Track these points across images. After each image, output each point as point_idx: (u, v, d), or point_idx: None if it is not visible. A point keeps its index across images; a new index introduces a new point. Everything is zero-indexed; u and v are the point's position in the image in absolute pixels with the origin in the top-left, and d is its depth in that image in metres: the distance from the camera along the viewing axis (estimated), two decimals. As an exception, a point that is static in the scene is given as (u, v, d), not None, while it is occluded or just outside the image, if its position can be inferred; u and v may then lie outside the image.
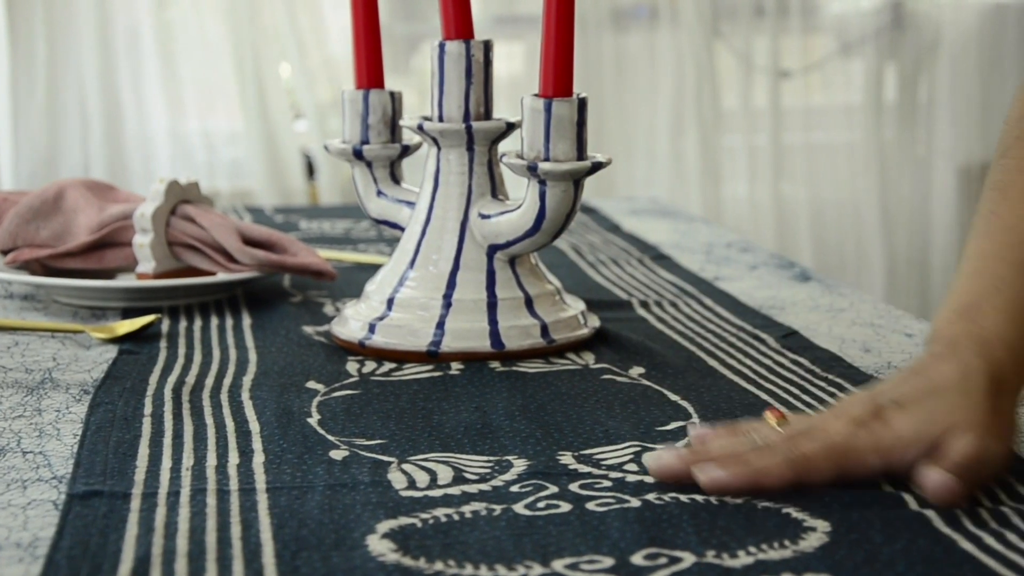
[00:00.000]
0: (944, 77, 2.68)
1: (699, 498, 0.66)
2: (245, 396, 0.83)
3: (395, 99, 1.00)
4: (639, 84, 2.63)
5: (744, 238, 1.39)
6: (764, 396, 0.83)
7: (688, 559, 0.58)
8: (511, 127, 0.94)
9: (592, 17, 2.57)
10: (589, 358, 0.92)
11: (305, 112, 2.52)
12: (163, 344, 0.95)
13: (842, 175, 2.71)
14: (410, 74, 2.58)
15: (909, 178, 2.70)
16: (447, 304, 0.93)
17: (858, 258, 2.71)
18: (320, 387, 0.85)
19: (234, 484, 0.68)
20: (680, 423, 0.78)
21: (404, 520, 0.63)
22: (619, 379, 0.87)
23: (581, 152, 0.89)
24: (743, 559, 0.58)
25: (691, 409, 0.80)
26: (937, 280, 2.69)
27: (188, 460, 0.72)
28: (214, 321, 1.02)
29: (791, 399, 0.82)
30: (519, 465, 0.71)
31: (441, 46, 0.93)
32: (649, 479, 0.69)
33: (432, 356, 0.91)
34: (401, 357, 0.92)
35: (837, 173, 2.71)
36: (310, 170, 2.55)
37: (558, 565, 0.58)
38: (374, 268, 1.19)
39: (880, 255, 2.69)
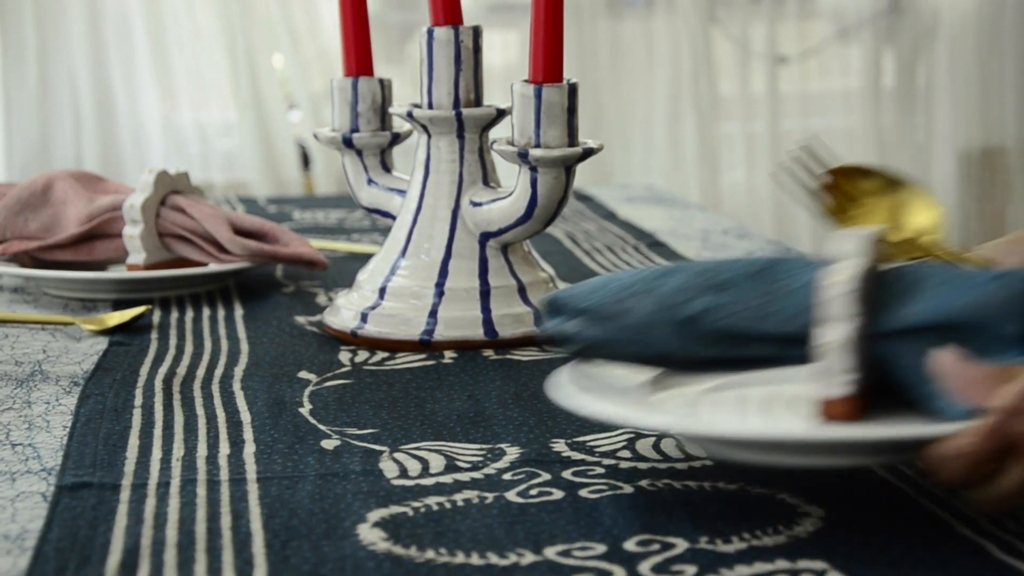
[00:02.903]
0: (943, 62, 2.67)
1: (692, 484, 0.65)
2: (236, 387, 0.83)
3: (384, 86, 0.99)
4: (635, 71, 2.62)
5: (741, 224, 1.38)
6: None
7: (681, 545, 0.58)
8: (501, 114, 0.93)
9: (587, 4, 2.56)
10: (583, 345, 0.91)
11: (299, 103, 2.52)
12: (154, 335, 0.95)
13: (841, 161, 2.70)
14: (404, 63, 2.57)
15: (908, 163, 2.69)
16: (439, 293, 0.92)
17: (857, 244, 2.70)
18: (312, 377, 0.85)
19: (224, 474, 0.68)
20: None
21: (395, 509, 0.63)
22: (613, 366, 0.86)
23: (572, 138, 0.88)
24: (736, 545, 0.58)
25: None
26: (936, 265, 2.69)
27: (178, 451, 0.71)
28: (205, 312, 1.02)
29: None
30: (512, 453, 0.70)
31: (429, 32, 0.92)
32: (642, 465, 0.68)
33: (425, 345, 0.91)
34: (394, 346, 0.91)
35: (836, 159, 2.70)
36: (305, 160, 2.55)
37: (550, 552, 0.58)
38: (367, 258, 1.18)
39: (879, 241, 2.69)
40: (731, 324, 0.64)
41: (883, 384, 0.63)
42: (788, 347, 0.64)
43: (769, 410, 0.67)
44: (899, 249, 0.75)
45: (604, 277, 0.68)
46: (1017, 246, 0.73)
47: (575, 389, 0.65)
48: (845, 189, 0.77)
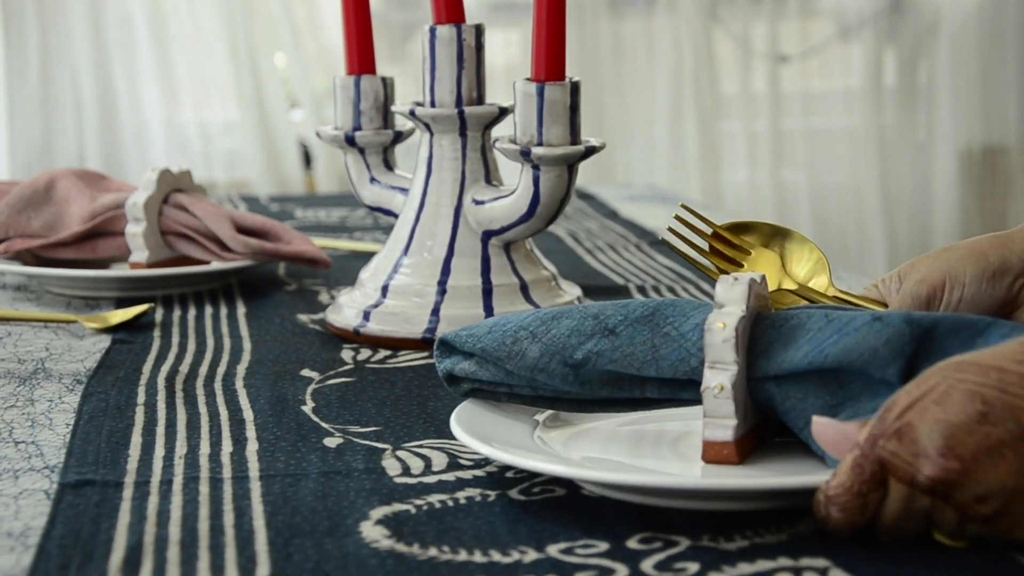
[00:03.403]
0: (944, 60, 2.67)
1: (694, 482, 0.65)
2: (239, 384, 0.83)
3: (387, 85, 0.99)
4: (637, 70, 2.62)
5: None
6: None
7: (683, 543, 0.58)
8: (504, 112, 0.93)
9: (589, 3, 2.56)
10: (585, 343, 0.91)
11: (301, 101, 2.52)
12: (157, 333, 0.95)
13: (842, 160, 2.70)
14: (406, 61, 2.57)
15: (909, 162, 2.70)
16: (442, 291, 0.92)
17: (859, 243, 2.70)
18: (315, 375, 0.85)
19: (227, 472, 0.68)
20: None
21: (398, 506, 0.63)
22: (615, 364, 0.86)
23: (575, 136, 0.88)
24: (739, 542, 0.58)
25: (687, 393, 0.80)
26: (938, 264, 2.68)
27: (181, 449, 0.71)
28: (208, 310, 1.02)
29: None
30: (514, 451, 0.70)
31: (432, 30, 0.92)
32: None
33: (427, 343, 0.91)
34: (396, 344, 0.91)
35: (837, 158, 2.70)
36: (307, 159, 2.55)
37: (553, 550, 0.58)
38: (369, 256, 1.18)
39: (881, 239, 2.69)
40: (620, 367, 0.64)
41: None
42: (679, 389, 0.65)
43: (659, 452, 0.67)
44: (787, 295, 0.77)
45: (497, 318, 0.69)
46: (900, 283, 0.74)
47: (470, 431, 0.65)
48: (735, 244, 0.79)
